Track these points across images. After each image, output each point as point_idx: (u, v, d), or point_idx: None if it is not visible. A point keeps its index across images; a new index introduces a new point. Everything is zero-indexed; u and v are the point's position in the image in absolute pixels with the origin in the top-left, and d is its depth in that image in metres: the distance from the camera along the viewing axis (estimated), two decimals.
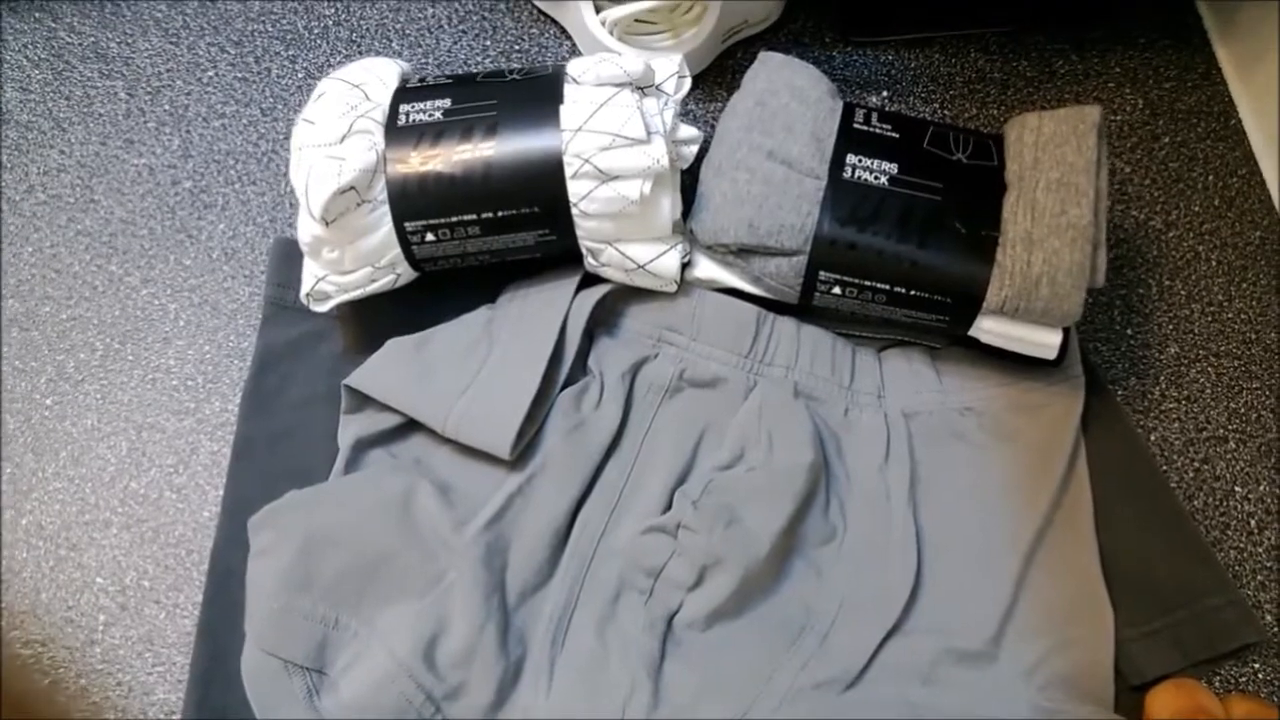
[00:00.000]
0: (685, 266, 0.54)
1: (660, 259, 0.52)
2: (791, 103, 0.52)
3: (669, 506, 0.51)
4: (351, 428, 0.54)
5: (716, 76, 0.65)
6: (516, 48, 0.67)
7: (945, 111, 0.65)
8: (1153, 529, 0.52)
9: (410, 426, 0.53)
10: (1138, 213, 0.63)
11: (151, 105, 0.67)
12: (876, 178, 0.50)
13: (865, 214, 0.50)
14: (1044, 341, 0.51)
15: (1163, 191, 0.64)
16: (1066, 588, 0.50)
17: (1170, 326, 0.61)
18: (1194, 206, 0.63)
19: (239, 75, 0.67)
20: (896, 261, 0.50)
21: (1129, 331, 0.61)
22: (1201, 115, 0.65)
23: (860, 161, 0.51)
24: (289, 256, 0.58)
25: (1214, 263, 0.62)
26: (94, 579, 0.58)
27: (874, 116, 0.53)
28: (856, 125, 0.52)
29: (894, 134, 0.52)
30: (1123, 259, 0.62)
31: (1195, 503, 0.58)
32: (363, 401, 0.54)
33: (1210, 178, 0.64)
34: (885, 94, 0.65)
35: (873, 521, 0.50)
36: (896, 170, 0.51)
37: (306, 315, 0.55)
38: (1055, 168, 0.49)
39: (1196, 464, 0.58)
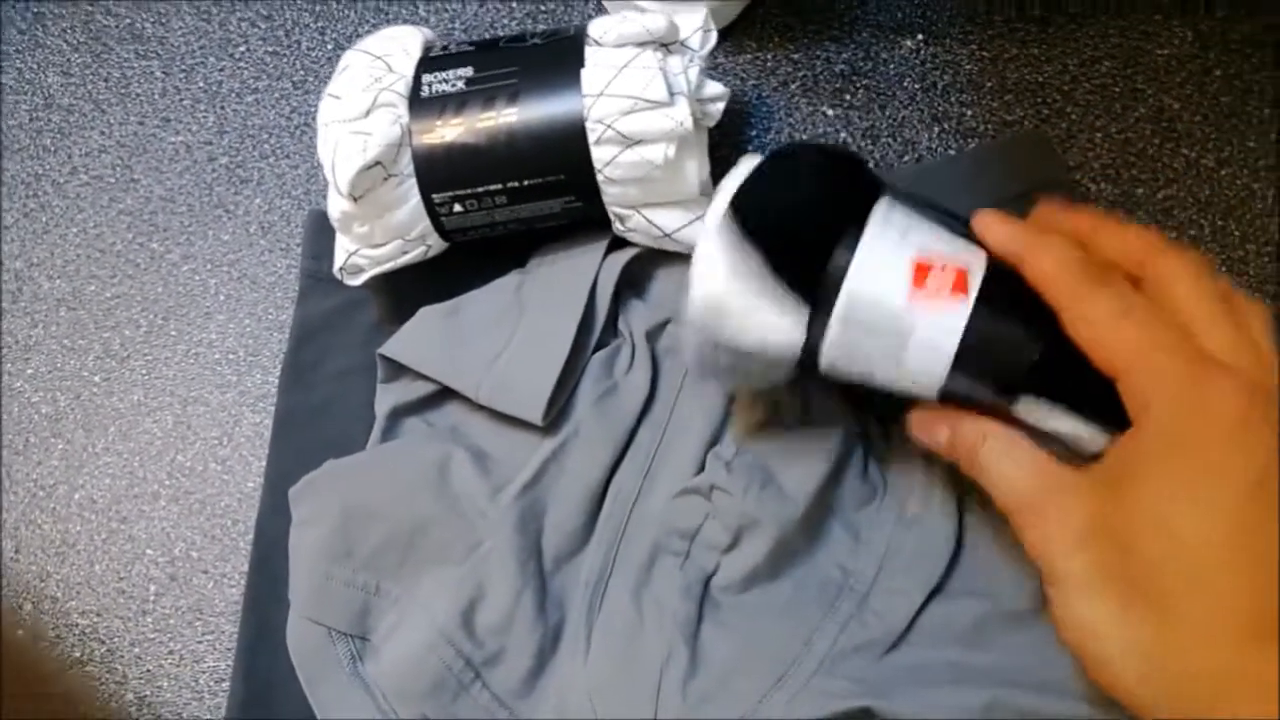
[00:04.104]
0: None
1: (687, 228, 0.51)
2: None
3: (703, 468, 0.50)
4: (388, 397, 0.54)
5: (745, 28, 0.64)
6: (543, 7, 0.66)
7: (984, 52, 0.63)
8: None
9: (445, 394, 0.54)
10: (1188, 151, 0.60)
11: (186, 83, 0.68)
12: None
13: None
14: None
15: (1215, 128, 0.61)
16: None
17: (1224, 269, 0.58)
18: (1249, 142, 0.60)
19: (270, 49, 0.67)
20: None
21: None
22: (1256, 45, 0.62)
23: None
24: (323, 229, 0.58)
25: (1270, 200, 0.59)
26: (144, 550, 0.59)
27: None
28: None
29: None
30: (1173, 200, 0.60)
31: None
32: (398, 370, 0.54)
33: (1266, 110, 0.61)
34: (920, 37, 0.63)
35: (911, 481, 0.49)
36: None
37: (342, 286, 0.56)
38: None
39: None
